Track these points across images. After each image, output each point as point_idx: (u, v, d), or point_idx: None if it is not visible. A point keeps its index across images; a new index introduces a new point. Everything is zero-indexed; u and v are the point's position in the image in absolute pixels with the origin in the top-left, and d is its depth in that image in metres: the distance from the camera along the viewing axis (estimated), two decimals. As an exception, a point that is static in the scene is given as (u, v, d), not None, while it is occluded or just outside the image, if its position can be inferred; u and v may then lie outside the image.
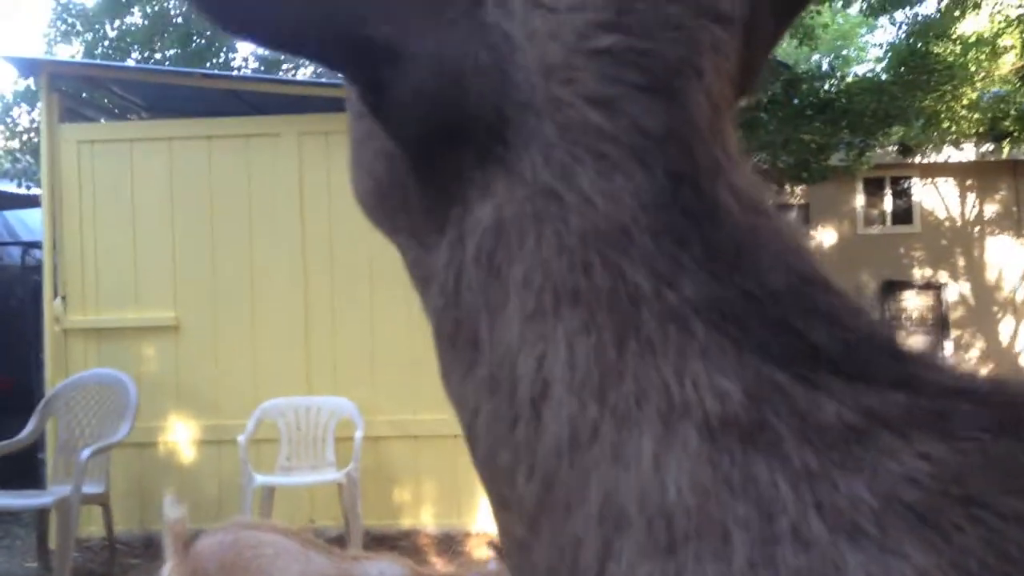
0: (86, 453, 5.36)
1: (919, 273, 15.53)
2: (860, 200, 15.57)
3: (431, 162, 0.54)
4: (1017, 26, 11.51)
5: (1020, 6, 11.46)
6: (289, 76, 12.32)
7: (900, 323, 15.16)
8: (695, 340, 0.46)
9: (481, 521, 6.23)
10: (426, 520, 6.34)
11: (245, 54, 13.53)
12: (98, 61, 10.89)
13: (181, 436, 6.43)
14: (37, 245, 7.75)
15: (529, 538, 0.50)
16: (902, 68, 11.60)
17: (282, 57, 12.93)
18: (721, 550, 0.41)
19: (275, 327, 6.40)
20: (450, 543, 6.11)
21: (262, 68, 12.85)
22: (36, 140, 9.15)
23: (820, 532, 0.40)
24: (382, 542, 6.04)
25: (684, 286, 0.47)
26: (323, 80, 11.12)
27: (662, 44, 0.51)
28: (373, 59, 0.51)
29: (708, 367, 0.45)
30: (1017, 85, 11.71)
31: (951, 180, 15.40)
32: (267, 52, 10.22)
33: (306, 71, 13.02)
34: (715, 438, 0.44)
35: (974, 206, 15.54)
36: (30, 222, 9.39)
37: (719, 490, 0.43)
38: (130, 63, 12.01)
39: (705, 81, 0.52)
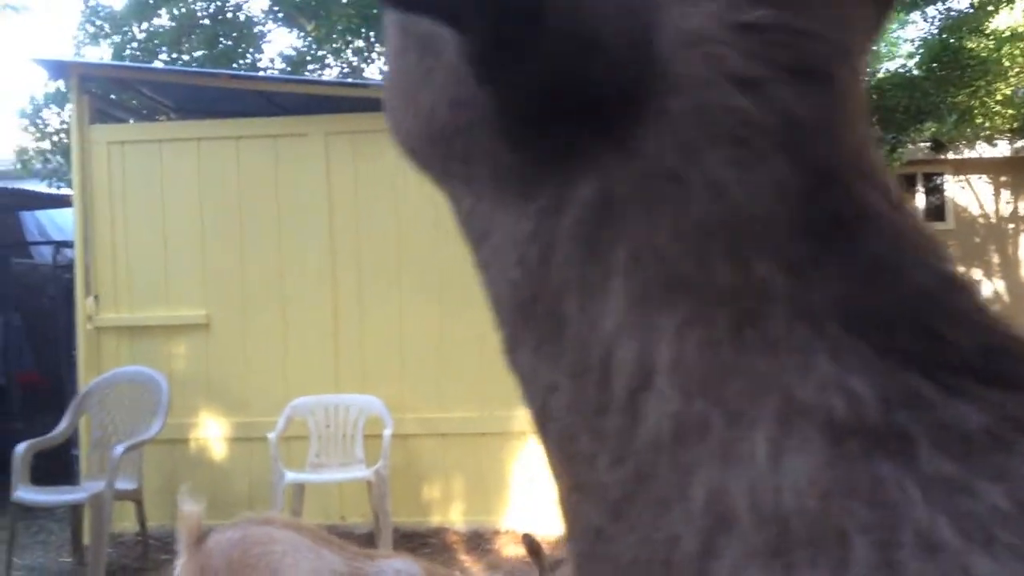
0: (119, 449, 5.41)
1: (951, 270, 15.36)
2: (890, 197, 15.41)
3: (534, 127, 0.50)
4: (1050, 20, 11.38)
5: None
6: (315, 76, 12.38)
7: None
8: (826, 340, 0.43)
9: (510, 519, 6.23)
10: (455, 517, 6.35)
11: (272, 55, 13.61)
12: (127, 63, 10.98)
13: (212, 433, 6.48)
14: (68, 244, 7.83)
15: (611, 528, 0.48)
16: (934, 64, 11.49)
17: (308, 57, 13.00)
18: (839, 555, 0.40)
19: (304, 325, 6.44)
20: (479, 540, 6.11)
21: (288, 69, 12.91)
22: (66, 141, 9.25)
23: (950, 539, 0.38)
24: (411, 539, 6.05)
25: (820, 285, 0.44)
26: (348, 80, 11.16)
27: (816, 21, 0.47)
28: (513, 12, 0.46)
29: (838, 368, 0.43)
30: (1050, 80, 11.57)
31: (984, 176, 15.23)
32: (292, 52, 10.19)
33: (332, 71, 13.07)
34: (840, 440, 0.42)
35: (1008, 202, 15.36)
36: (61, 222, 9.49)
37: (841, 494, 0.41)
38: (158, 64, 12.11)
39: (852, 63, 0.49)
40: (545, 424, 0.52)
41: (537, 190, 0.50)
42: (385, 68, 0.65)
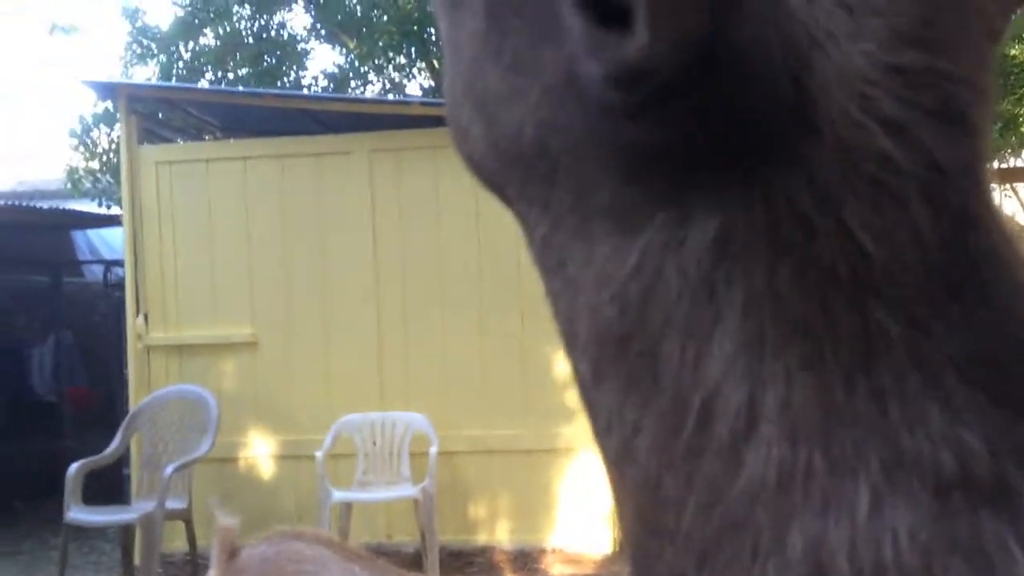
0: (170, 469, 5.46)
1: (1000, 279, 15.10)
2: (937, 205, 15.20)
3: (655, 160, 0.48)
4: (1100, 24, 11.16)
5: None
6: (357, 94, 12.48)
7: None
8: (940, 390, 0.42)
9: (557, 537, 6.20)
10: (502, 536, 6.33)
11: (315, 72, 13.74)
12: (174, 83, 11.15)
13: (260, 451, 6.52)
14: (118, 263, 7.95)
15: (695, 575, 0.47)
16: (979, 70, 11.30)
17: (350, 74, 13.10)
18: None
19: (348, 342, 6.46)
20: (526, 560, 6.09)
21: (331, 86, 13.03)
22: (115, 160, 9.39)
23: None
24: (458, 558, 6.05)
25: (942, 334, 0.43)
26: (391, 98, 11.22)
27: (958, 63, 0.46)
28: (690, 50, 0.44)
29: (950, 419, 0.42)
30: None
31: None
32: (335, 69, 10.25)
33: (374, 88, 13.16)
34: (945, 493, 0.41)
35: (1056, 210, 15.05)
36: (111, 240, 9.64)
37: (942, 550, 0.40)
38: (204, 83, 12.27)
39: (985, 104, 0.48)
40: (623, 466, 0.51)
41: (644, 224, 0.49)
42: (449, 81, 0.62)
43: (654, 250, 0.48)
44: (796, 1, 0.44)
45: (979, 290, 0.44)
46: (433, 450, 5.76)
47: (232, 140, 7.85)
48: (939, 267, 0.44)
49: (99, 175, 10.87)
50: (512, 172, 0.57)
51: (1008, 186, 15.05)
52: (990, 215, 0.47)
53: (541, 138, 0.53)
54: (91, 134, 11.23)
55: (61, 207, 9.51)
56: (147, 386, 6.46)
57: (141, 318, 6.55)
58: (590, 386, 0.53)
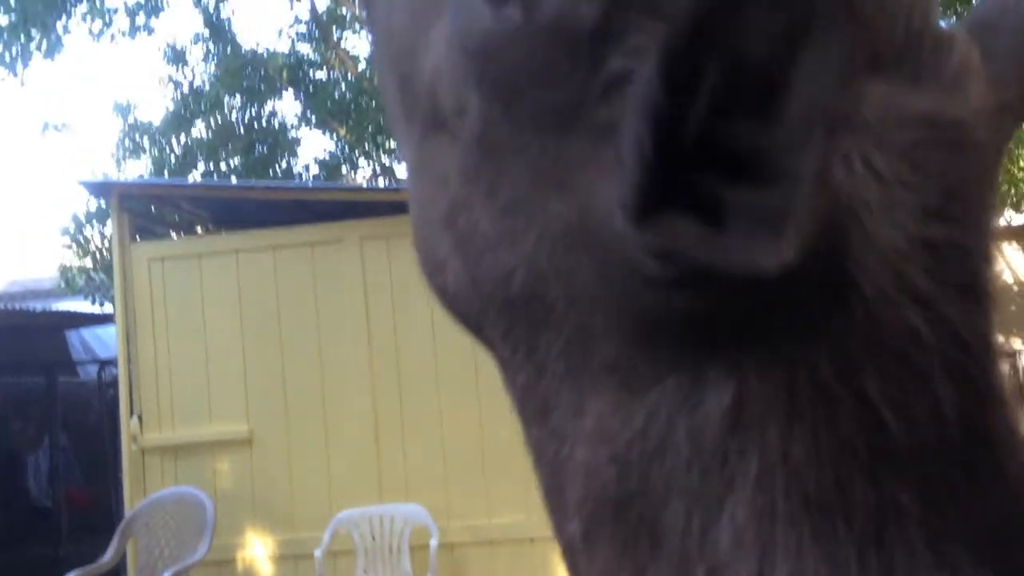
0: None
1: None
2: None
3: (674, 325, 0.46)
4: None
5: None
6: (350, 178, 12.58)
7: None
8: (951, 570, 0.42)
9: (564, 627, 6.04)
10: (507, 628, 6.17)
11: (307, 159, 13.88)
12: (165, 180, 11.24)
13: (258, 552, 6.40)
14: (113, 362, 7.90)
15: None
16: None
17: (341, 159, 13.23)
18: None
19: (345, 434, 6.39)
20: (534, 652, 5.92)
21: (323, 172, 13.14)
22: (108, 257, 9.42)
23: None
24: (464, 654, 5.89)
25: (956, 513, 0.43)
26: (381, 186, 11.30)
27: (978, 236, 0.47)
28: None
29: None
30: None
31: (1016, 243, 15.01)
32: (327, 155, 10.38)
33: (366, 171, 13.28)
34: None
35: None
36: (106, 338, 9.61)
37: None
38: (196, 175, 12.38)
39: (994, 267, 0.48)
40: None
41: (652, 386, 0.47)
42: (419, 207, 0.60)
43: (663, 414, 0.46)
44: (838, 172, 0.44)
45: (994, 468, 0.44)
46: (433, 543, 5.65)
47: (225, 233, 7.87)
48: (957, 443, 0.44)
49: (92, 272, 10.89)
50: (494, 314, 0.55)
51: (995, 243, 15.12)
52: (1005, 391, 0.46)
53: (535, 285, 0.51)
54: (84, 231, 11.29)
55: (54, 308, 9.50)
56: (143, 489, 6.36)
57: (135, 419, 6.48)
58: (579, 547, 0.51)
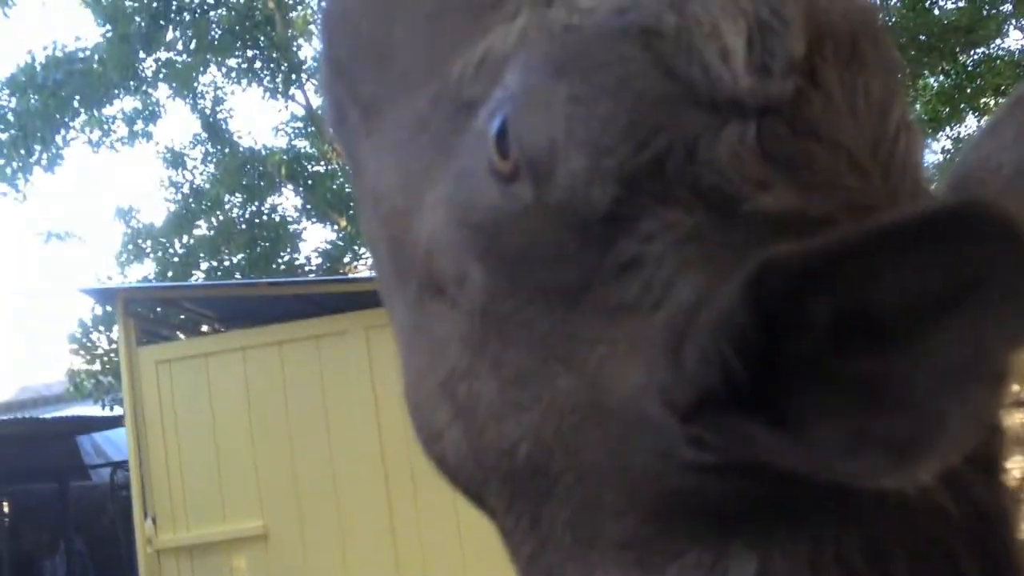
0: None
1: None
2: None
3: (699, 503, 0.47)
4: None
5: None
6: (351, 268, 12.69)
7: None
8: None
9: None
10: None
11: (308, 251, 14.01)
12: (168, 282, 11.35)
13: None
14: (126, 464, 7.90)
15: None
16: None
17: (343, 250, 13.35)
18: None
19: (360, 526, 6.35)
20: None
21: (325, 264, 13.25)
22: (116, 360, 9.47)
23: None
24: None
25: None
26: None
27: (1000, 418, 0.49)
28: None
29: None
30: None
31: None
32: (328, 246, 10.45)
33: (367, 262, 13.38)
34: None
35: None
36: (118, 440, 9.60)
37: None
38: (199, 274, 12.49)
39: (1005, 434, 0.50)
40: None
41: (670, 561, 0.47)
42: (415, 375, 0.59)
43: None
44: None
45: None
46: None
47: (230, 331, 7.93)
48: None
49: (100, 376, 10.93)
50: (497, 485, 0.55)
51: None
52: (1019, 551, 0.48)
53: (540, 458, 0.51)
54: (90, 336, 11.35)
55: (64, 413, 9.53)
56: (160, 592, 6.31)
57: (149, 521, 6.47)
58: None
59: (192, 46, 11.46)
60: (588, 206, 0.48)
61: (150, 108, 12.25)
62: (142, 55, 11.19)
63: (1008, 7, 12.38)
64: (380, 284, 0.72)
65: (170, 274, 12.35)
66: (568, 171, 0.49)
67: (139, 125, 12.23)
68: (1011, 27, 13.07)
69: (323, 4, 0.78)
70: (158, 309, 8.51)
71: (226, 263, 13.03)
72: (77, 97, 10.94)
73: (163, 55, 11.71)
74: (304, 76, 12.58)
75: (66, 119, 10.99)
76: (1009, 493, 0.48)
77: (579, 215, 0.49)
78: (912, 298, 0.38)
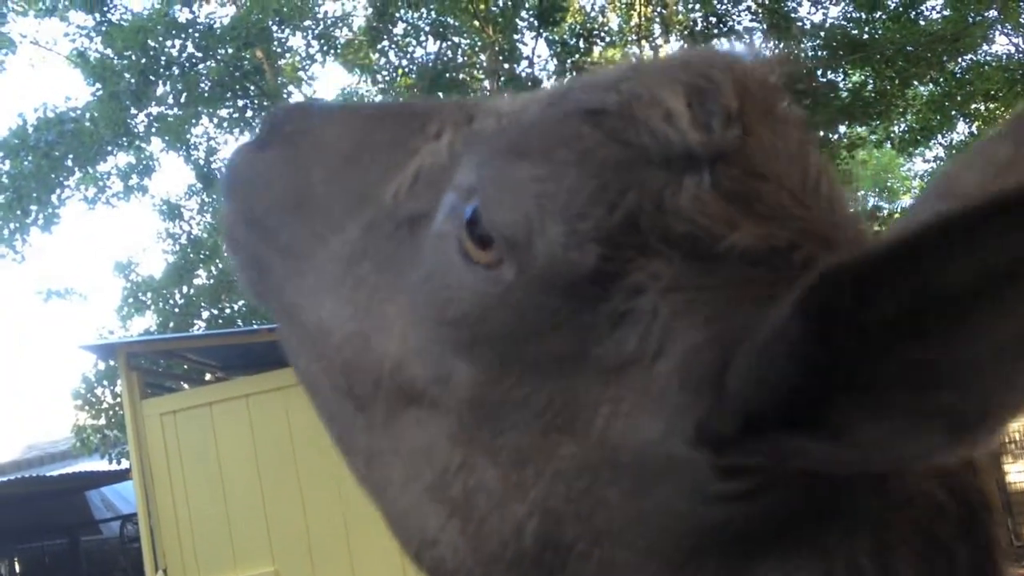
0: None
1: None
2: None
3: (726, 534, 0.50)
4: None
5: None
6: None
7: (1004, 447, 14.47)
8: None
9: None
10: None
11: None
12: (169, 334, 11.36)
13: None
14: (135, 517, 7.91)
15: None
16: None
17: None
18: None
19: (372, 566, 6.35)
20: None
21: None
22: (121, 414, 9.48)
23: None
24: None
25: None
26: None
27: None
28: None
29: None
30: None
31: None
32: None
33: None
34: None
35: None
36: (126, 493, 9.62)
37: None
38: (200, 323, 12.51)
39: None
40: None
41: None
42: (395, 492, 0.61)
43: None
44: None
45: None
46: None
47: (233, 379, 7.96)
48: None
49: (106, 431, 10.94)
50: (501, 574, 0.56)
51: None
52: (1000, 538, 0.52)
53: (550, 531, 0.52)
54: (95, 391, 11.37)
55: (72, 469, 9.53)
56: (175, 644, 6.30)
57: (161, 573, 6.47)
58: None
59: (182, 99, 11.57)
60: (573, 268, 0.52)
61: (144, 162, 12.36)
62: (133, 111, 11.29)
63: (994, 13, 12.46)
64: (325, 423, 0.74)
65: (171, 325, 12.37)
66: (546, 241, 0.52)
67: (134, 179, 12.34)
68: (998, 32, 13.16)
69: (223, 173, 0.82)
70: (160, 361, 8.55)
71: (227, 311, 13.05)
72: (70, 156, 11.04)
73: (154, 110, 11.83)
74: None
75: (60, 178, 11.08)
76: (990, 486, 0.53)
77: (566, 278, 0.52)
78: (974, 279, 0.41)
